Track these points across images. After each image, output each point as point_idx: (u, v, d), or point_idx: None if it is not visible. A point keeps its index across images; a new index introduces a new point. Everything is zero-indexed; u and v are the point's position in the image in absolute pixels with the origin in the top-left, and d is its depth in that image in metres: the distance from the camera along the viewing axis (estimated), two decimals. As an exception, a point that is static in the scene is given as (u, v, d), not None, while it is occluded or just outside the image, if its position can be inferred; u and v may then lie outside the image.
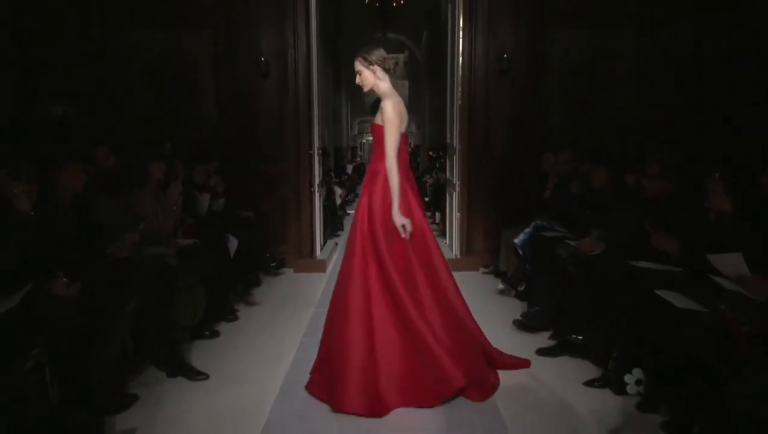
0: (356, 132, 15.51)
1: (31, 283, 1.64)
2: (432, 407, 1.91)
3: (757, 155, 2.48)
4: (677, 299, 1.74)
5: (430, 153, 8.00)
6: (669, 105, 3.78)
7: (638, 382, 1.96)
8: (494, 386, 2.07)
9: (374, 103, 2.47)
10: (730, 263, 1.67)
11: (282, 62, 3.86)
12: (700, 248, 1.84)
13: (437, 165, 6.55)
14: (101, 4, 3.73)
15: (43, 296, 1.71)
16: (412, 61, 12.26)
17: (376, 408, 1.87)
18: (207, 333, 2.64)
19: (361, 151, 16.18)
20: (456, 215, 4.07)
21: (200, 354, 2.42)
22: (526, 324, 2.67)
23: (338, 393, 1.91)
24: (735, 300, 1.64)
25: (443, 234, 4.74)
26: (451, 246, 4.23)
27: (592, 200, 2.81)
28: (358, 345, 1.93)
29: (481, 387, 2.01)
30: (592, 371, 2.19)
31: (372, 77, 2.06)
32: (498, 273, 3.63)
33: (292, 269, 3.96)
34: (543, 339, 2.55)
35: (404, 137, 2.11)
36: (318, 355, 2.13)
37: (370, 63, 2.05)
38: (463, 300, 2.16)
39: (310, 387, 2.06)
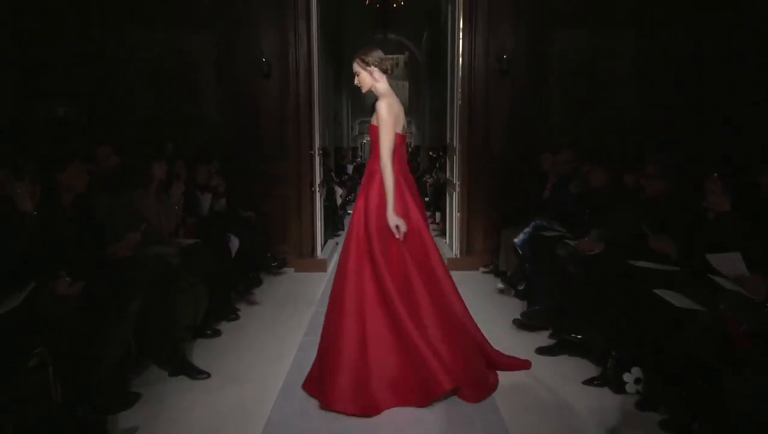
0: (357, 132, 15.52)
1: (34, 282, 1.64)
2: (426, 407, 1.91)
3: (757, 155, 2.49)
4: (676, 299, 1.75)
5: (430, 153, 8.01)
6: (669, 105, 3.78)
7: (637, 381, 1.97)
8: (492, 386, 2.07)
9: (375, 103, 2.48)
10: (729, 263, 1.68)
11: (283, 63, 3.87)
12: (699, 248, 1.85)
13: (437, 165, 6.56)
14: (102, 4, 3.74)
15: (46, 296, 1.72)
16: (412, 62, 12.27)
17: (367, 409, 1.88)
18: (209, 332, 2.65)
19: (361, 151, 16.20)
20: (456, 214, 4.08)
21: (202, 353, 2.43)
22: (525, 323, 2.68)
23: (329, 391, 1.92)
24: (734, 300, 1.65)
25: (443, 234, 4.75)
26: (451, 246, 4.24)
27: (591, 200, 2.82)
28: (351, 346, 1.94)
29: (479, 388, 2.01)
30: (591, 370, 2.20)
31: (369, 78, 2.08)
32: (498, 273, 3.64)
33: (293, 269, 3.97)
34: (542, 338, 2.56)
35: (402, 137, 2.11)
36: (317, 354, 2.14)
37: (367, 64, 2.06)
38: (461, 301, 2.15)
39: (305, 386, 2.07)
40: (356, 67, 2.09)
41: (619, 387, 2.00)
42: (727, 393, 1.40)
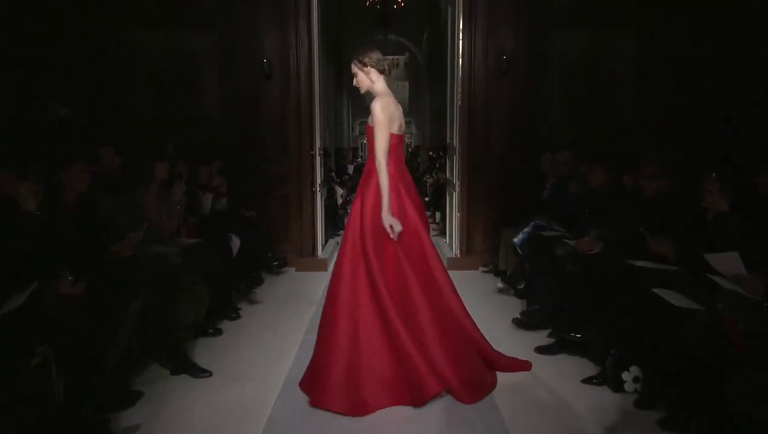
0: (357, 133, 15.54)
1: (37, 282, 1.65)
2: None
3: (757, 155, 2.50)
4: (674, 298, 1.76)
5: (431, 153, 8.02)
6: (669, 105, 3.79)
7: (636, 380, 1.98)
8: (490, 386, 2.07)
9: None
10: (727, 263, 1.69)
11: (284, 64, 3.89)
12: (698, 247, 1.86)
13: (437, 165, 6.57)
14: (104, 5, 3.75)
15: (48, 295, 1.74)
16: (412, 63, 12.27)
17: (356, 409, 1.89)
18: (210, 331, 2.66)
19: (362, 151, 16.21)
20: (456, 214, 4.09)
21: (203, 352, 2.45)
22: (525, 323, 2.69)
23: (320, 389, 1.94)
24: (732, 299, 1.66)
25: (443, 233, 4.76)
26: (451, 245, 4.26)
27: (591, 199, 2.83)
28: (343, 346, 1.95)
29: (475, 388, 2.00)
30: (590, 368, 2.21)
31: (366, 79, 2.09)
32: (497, 272, 3.65)
33: (294, 268, 3.98)
34: (542, 337, 2.57)
35: (398, 137, 2.11)
36: (313, 352, 2.15)
37: (365, 65, 2.08)
38: (459, 301, 2.14)
39: (301, 383, 2.08)
40: (354, 68, 2.11)
41: (617, 386, 2.01)
42: (727, 393, 1.41)
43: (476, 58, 3.86)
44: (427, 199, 6.08)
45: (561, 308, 2.45)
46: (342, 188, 6.34)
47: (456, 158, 4.07)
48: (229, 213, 3.53)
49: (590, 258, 2.41)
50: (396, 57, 13.06)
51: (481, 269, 3.95)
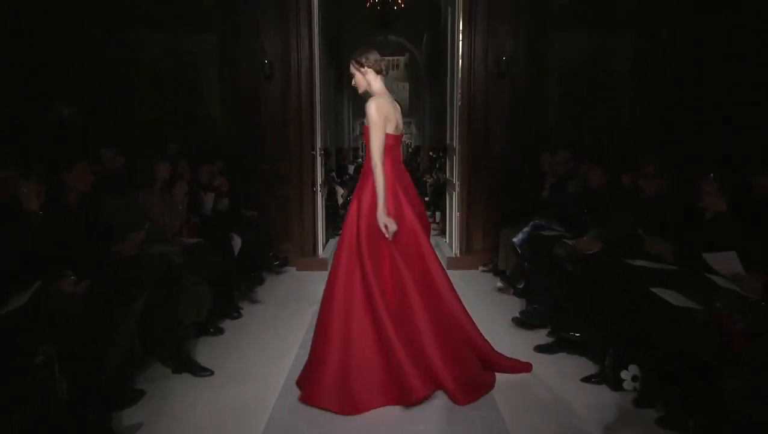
0: (357, 133, 15.56)
1: (40, 281, 1.67)
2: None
3: (757, 155, 2.50)
4: (673, 297, 1.77)
5: (431, 153, 8.04)
6: (669, 105, 3.79)
7: (634, 378, 1.99)
8: (488, 386, 2.07)
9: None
10: (725, 262, 1.70)
11: (285, 65, 3.90)
12: (696, 247, 1.87)
13: (437, 165, 6.59)
14: (106, 6, 3.76)
15: (51, 294, 1.75)
16: (412, 63, 12.28)
17: (347, 408, 1.90)
18: (212, 330, 2.68)
19: (362, 151, 16.23)
20: (456, 214, 4.10)
21: (205, 351, 2.46)
22: (524, 322, 2.70)
23: (313, 387, 1.96)
24: (729, 298, 1.67)
25: (443, 233, 4.77)
26: (450, 245, 4.27)
27: (589, 199, 2.84)
28: (336, 347, 1.96)
29: (472, 388, 1.99)
30: (589, 367, 2.22)
31: (363, 80, 2.11)
32: (497, 271, 3.66)
33: (294, 268, 4.00)
34: (541, 336, 2.58)
35: (395, 138, 2.11)
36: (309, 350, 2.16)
37: (362, 66, 2.09)
38: (458, 301, 2.12)
39: (297, 380, 2.10)
40: (352, 69, 2.12)
41: (616, 385, 2.02)
42: (725, 392, 1.42)
43: (476, 59, 3.87)
44: (427, 199, 6.09)
45: (560, 307, 2.46)
46: (342, 188, 6.35)
47: (456, 159, 4.08)
48: (231, 213, 3.54)
49: (589, 258, 2.42)
50: (396, 58, 13.08)
51: (481, 268, 3.96)
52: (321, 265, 4.05)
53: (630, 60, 3.90)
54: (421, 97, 10.69)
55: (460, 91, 3.93)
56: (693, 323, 1.68)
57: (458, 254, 4.09)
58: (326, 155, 4.96)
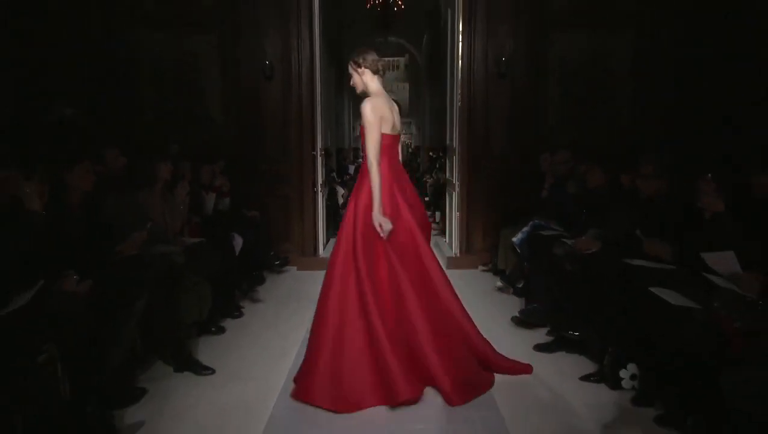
0: (358, 133, 15.55)
1: (43, 280, 1.68)
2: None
3: (756, 155, 2.50)
4: (671, 297, 1.78)
5: (431, 154, 8.05)
6: (668, 105, 3.79)
7: (633, 377, 2.00)
8: (486, 386, 2.06)
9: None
10: (723, 262, 1.71)
11: (286, 65, 3.92)
12: (695, 247, 1.88)
13: (437, 165, 6.60)
14: (105, 6, 3.77)
15: (54, 293, 1.76)
16: (412, 64, 12.28)
17: (339, 406, 1.91)
18: (213, 329, 2.69)
19: (362, 152, 16.28)
20: (456, 214, 4.11)
21: (206, 350, 2.47)
22: (523, 321, 2.71)
23: (305, 383, 1.99)
24: (728, 297, 1.67)
25: (443, 233, 4.78)
26: (450, 245, 4.28)
27: (589, 199, 2.85)
28: (328, 346, 1.97)
29: (467, 388, 1.99)
30: (588, 366, 2.23)
31: (360, 80, 2.12)
32: (496, 271, 3.66)
33: (295, 267, 4.01)
34: (540, 335, 2.59)
35: (392, 137, 2.11)
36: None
37: (359, 66, 2.10)
38: (457, 301, 2.12)
39: (294, 377, 2.11)
40: (349, 69, 2.14)
41: (615, 383, 2.03)
42: (723, 390, 1.42)
43: (476, 60, 3.88)
44: (427, 199, 6.10)
45: (559, 306, 2.47)
46: (343, 188, 6.36)
47: (456, 159, 4.09)
48: (232, 213, 3.56)
49: (588, 257, 2.43)
50: (396, 59, 13.09)
51: (481, 268, 3.97)
52: (322, 265, 4.01)
53: (630, 60, 3.91)
54: (421, 97, 10.70)
55: (459, 91, 3.94)
56: (691, 322, 1.68)
57: (458, 254, 4.10)
58: (327, 155, 4.97)
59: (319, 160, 4.08)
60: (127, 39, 3.83)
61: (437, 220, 5.48)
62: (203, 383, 2.17)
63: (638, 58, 3.88)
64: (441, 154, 6.10)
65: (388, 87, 2.25)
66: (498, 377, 2.15)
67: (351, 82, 2.17)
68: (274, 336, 2.70)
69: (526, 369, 2.21)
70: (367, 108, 2.03)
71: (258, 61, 3.89)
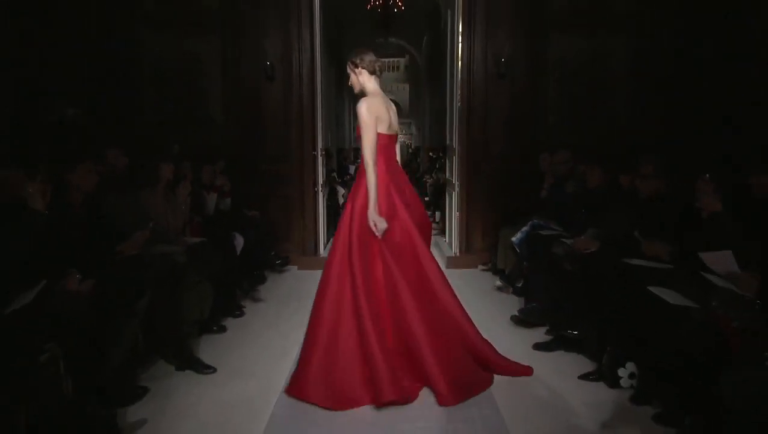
0: (358, 134, 15.58)
1: (46, 280, 1.69)
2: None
3: (756, 155, 2.51)
4: (669, 296, 1.79)
5: (431, 154, 8.06)
6: (668, 105, 3.80)
7: (631, 376, 2.01)
8: (484, 386, 2.06)
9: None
10: (721, 261, 1.72)
11: (287, 66, 3.93)
12: (693, 246, 1.89)
13: (437, 166, 6.61)
14: (106, 6, 3.77)
15: (56, 293, 1.78)
16: (412, 65, 12.29)
17: (331, 403, 1.93)
18: (214, 328, 2.70)
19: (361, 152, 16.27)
20: (455, 214, 4.12)
21: (208, 349, 2.48)
22: (523, 320, 2.72)
23: (299, 381, 2.01)
24: (725, 297, 1.68)
25: (443, 233, 4.79)
26: (450, 244, 4.29)
27: (588, 199, 2.86)
28: (322, 344, 1.99)
29: (464, 388, 1.99)
30: (586, 365, 2.23)
31: (357, 80, 2.13)
32: (496, 270, 3.67)
33: (296, 267, 4.02)
34: (539, 334, 2.59)
35: (389, 137, 2.12)
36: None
37: (357, 66, 2.12)
38: (456, 301, 2.11)
39: (292, 374, 2.13)
40: (348, 69, 2.16)
41: (613, 382, 2.04)
42: (721, 389, 1.43)
43: (475, 61, 3.89)
44: (427, 199, 6.11)
45: (558, 305, 2.48)
46: (343, 188, 6.37)
47: (455, 159, 4.10)
48: (233, 213, 3.57)
49: (587, 257, 2.44)
50: (396, 60, 13.10)
51: (480, 267, 3.98)
52: (322, 264, 3.91)
53: (630, 60, 3.91)
54: (421, 98, 10.72)
55: (459, 92, 3.95)
56: (689, 321, 1.69)
57: (458, 254, 4.11)
58: (327, 155, 4.99)
59: (320, 160, 4.09)
60: (128, 39, 3.84)
61: (437, 220, 5.49)
62: (205, 381, 2.19)
63: (638, 59, 3.89)
64: (441, 154, 6.11)
65: (387, 88, 2.26)
66: (498, 377, 2.15)
67: (349, 82, 2.19)
68: (275, 334, 2.72)
69: (527, 371, 2.20)
70: (363, 108, 2.04)
71: (259, 62, 3.91)
